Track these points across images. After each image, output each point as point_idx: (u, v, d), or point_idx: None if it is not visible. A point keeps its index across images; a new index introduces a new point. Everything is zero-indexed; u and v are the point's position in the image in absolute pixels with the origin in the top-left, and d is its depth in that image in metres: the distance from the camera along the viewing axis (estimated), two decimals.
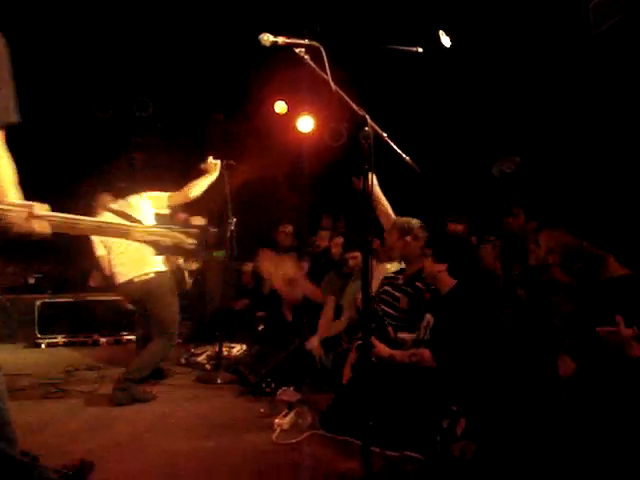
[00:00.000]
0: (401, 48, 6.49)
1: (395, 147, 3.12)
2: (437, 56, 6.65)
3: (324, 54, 2.97)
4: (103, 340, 7.82)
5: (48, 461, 3.50)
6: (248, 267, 7.79)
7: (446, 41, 6.64)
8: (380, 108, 3.79)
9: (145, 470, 3.39)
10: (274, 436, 3.83)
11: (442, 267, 4.00)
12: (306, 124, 8.56)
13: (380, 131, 3.03)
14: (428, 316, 4.15)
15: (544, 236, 4.13)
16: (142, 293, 5.07)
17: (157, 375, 5.48)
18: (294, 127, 8.60)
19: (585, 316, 2.96)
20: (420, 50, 6.49)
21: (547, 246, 3.84)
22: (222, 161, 5.59)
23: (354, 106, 3.02)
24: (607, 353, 2.77)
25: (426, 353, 3.91)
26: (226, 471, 3.36)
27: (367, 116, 3.00)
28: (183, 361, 6.32)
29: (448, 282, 3.99)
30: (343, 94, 3.02)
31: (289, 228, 7.51)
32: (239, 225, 6.42)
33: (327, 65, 2.98)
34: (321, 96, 6.98)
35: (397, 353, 4.00)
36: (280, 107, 8.59)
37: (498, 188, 6.12)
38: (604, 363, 2.82)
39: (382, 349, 4.01)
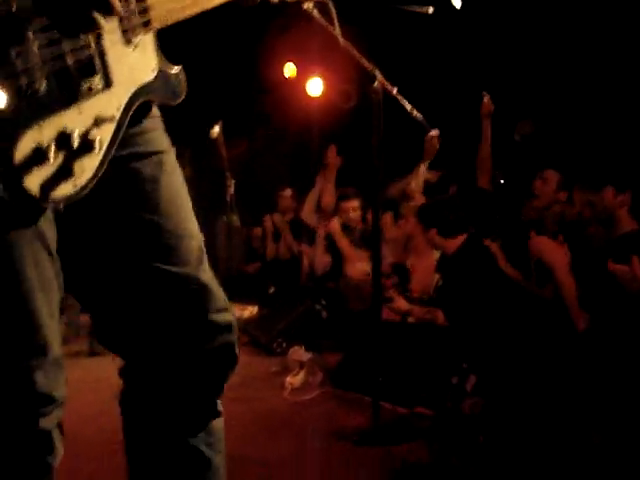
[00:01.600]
0: (411, 8, 6.37)
1: (405, 103, 3.09)
2: (448, 17, 6.54)
3: (333, 10, 2.93)
4: None
5: None
6: (258, 231, 7.80)
7: (457, 2, 6.52)
8: (390, 67, 3.74)
9: None
10: (286, 394, 3.86)
11: (433, 232, 4.06)
12: (316, 87, 8.44)
13: (389, 86, 3.01)
14: (437, 276, 4.17)
15: (577, 194, 4.13)
16: None
17: None
18: (304, 90, 8.50)
19: (598, 270, 2.96)
20: (431, 11, 6.36)
21: (581, 202, 3.84)
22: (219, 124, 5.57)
23: (363, 61, 2.99)
24: (619, 303, 2.78)
25: (440, 313, 3.95)
26: (238, 428, 3.37)
27: (377, 71, 2.97)
28: None
29: (450, 244, 4.02)
30: (352, 49, 2.99)
31: (288, 191, 7.47)
32: (247, 189, 6.39)
33: (336, 21, 2.94)
34: (331, 58, 6.89)
35: (415, 309, 4.03)
36: (290, 70, 8.48)
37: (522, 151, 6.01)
38: (617, 315, 2.83)
39: (401, 303, 4.04)
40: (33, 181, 0.99)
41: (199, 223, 1.40)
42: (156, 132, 1.30)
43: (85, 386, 4.06)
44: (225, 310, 1.38)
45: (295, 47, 7.87)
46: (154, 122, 1.30)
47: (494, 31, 6.48)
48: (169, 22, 1.22)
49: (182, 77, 1.27)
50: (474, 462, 2.67)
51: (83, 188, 1.07)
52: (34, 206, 1.03)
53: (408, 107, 3.13)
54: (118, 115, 1.13)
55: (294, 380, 4.01)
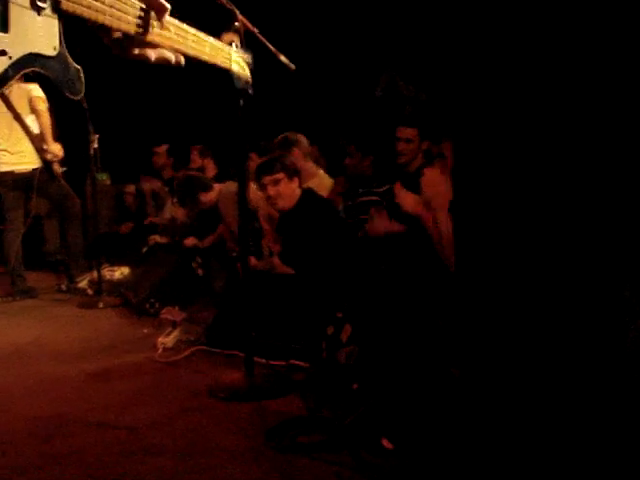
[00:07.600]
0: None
1: (267, 44, 2.95)
2: None
3: None
4: None
5: None
6: (130, 188, 7.50)
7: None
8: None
9: (21, 393, 3.22)
10: (157, 354, 3.71)
11: (296, 183, 4.02)
12: None
13: (251, 26, 2.86)
14: None
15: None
16: None
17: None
18: None
19: None
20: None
21: None
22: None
23: (223, 1, 2.83)
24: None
25: (275, 260, 4.08)
26: (106, 393, 3.22)
27: (236, 10, 2.82)
28: (64, 288, 6.05)
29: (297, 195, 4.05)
30: None
31: (162, 147, 7.19)
32: (118, 145, 6.08)
33: None
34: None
35: (258, 264, 4.03)
36: None
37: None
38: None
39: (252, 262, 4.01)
40: None
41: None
42: None
43: None
44: None
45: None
46: None
47: None
48: (76, 12, 1.24)
49: (82, 77, 1.30)
50: (346, 412, 2.63)
51: None
52: None
53: (272, 49, 2.99)
54: (7, 63, 1.12)
55: (166, 340, 3.86)
